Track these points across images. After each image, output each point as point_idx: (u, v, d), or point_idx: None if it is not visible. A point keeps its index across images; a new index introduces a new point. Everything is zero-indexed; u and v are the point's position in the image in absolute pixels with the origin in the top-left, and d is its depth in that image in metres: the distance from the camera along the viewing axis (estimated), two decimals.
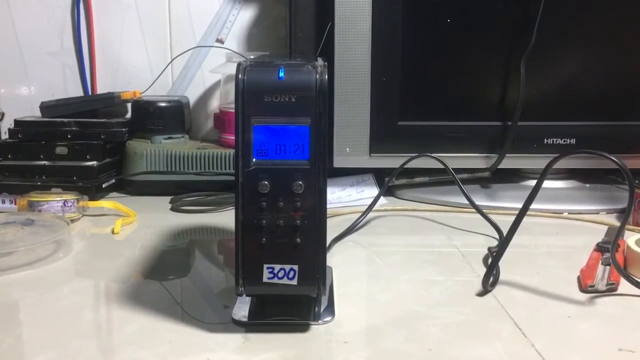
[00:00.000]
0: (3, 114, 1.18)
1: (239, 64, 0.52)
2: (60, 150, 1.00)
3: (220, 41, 1.19)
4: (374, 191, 0.99)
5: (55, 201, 0.86)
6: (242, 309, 0.57)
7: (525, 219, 0.64)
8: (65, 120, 1.04)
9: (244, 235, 0.52)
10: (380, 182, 1.01)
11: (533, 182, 0.62)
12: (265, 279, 0.52)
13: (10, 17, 1.16)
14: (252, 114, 0.51)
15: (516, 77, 0.94)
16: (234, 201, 0.52)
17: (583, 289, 0.63)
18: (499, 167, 0.96)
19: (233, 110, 0.52)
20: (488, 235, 0.82)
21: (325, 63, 0.52)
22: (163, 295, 0.64)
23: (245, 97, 0.51)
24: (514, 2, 0.95)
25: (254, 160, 0.51)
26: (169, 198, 0.98)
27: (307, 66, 0.51)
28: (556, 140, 0.96)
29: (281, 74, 0.51)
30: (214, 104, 1.20)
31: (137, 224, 0.87)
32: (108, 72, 1.19)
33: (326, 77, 0.51)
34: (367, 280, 0.69)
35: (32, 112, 1.12)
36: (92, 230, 0.86)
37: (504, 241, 0.65)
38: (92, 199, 0.93)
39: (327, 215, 0.53)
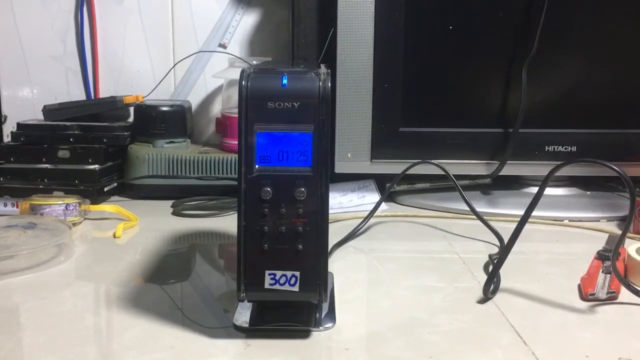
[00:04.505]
0: (5, 117, 1.18)
1: (242, 71, 0.52)
2: (63, 153, 1.00)
3: (223, 46, 1.19)
4: (375, 197, 0.99)
5: (57, 205, 0.86)
6: (243, 315, 0.57)
7: (526, 226, 0.64)
8: (68, 123, 1.04)
9: (246, 241, 0.52)
10: (381, 188, 1.02)
11: (534, 189, 0.62)
12: (266, 285, 0.52)
13: (13, 20, 1.16)
14: (255, 120, 0.51)
15: (517, 84, 0.94)
16: (236, 206, 0.52)
17: (583, 297, 0.63)
18: (500, 174, 0.97)
19: (235, 115, 0.52)
20: (489, 242, 0.82)
21: (329, 70, 0.52)
22: (164, 299, 0.64)
23: (248, 104, 0.51)
24: (516, 10, 0.95)
25: (256, 166, 0.52)
26: (170, 202, 0.98)
27: (310, 73, 0.52)
28: (557, 148, 0.96)
29: (284, 81, 0.51)
30: (216, 109, 1.20)
31: (138, 228, 0.88)
32: (111, 76, 1.19)
33: (329, 84, 0.51)
34: (368, 286, 0.69)
35: (35, 116, 1.12)
36: (94, 234, 0.86)
37: (505, 249, 0.65)
38: (93, 202, 0.94)
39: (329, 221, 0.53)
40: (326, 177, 0.52)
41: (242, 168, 0.52)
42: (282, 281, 0.52)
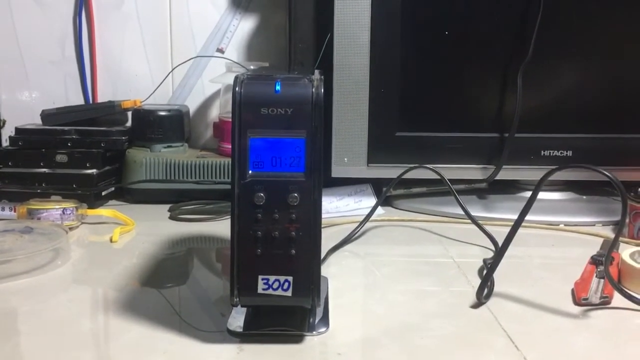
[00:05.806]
0: (4, 122, 1.19)
1: (236, 77, 0.52)
2: (60, 158, 1.01)
3: (221, 51, 1.19)
4: (371, 201, 0.99)
5: (54, 209, 0.86)
6: (237, 319, 0.58)
7: (521, 230, 0.64)
8: (66, 128, 1.04)
9: (239, 246, 0.52)
10: (377, 192, 1.02)
11: (529, 194, 0.62)
12: (260, 290, 0.52)
13: (12, 25, 1.17)
14: (249, 126, 0.52)
15: (513, 89, 0.94)
16: None
17: (577, 302, 0.64)
18: (495, 178, 0.97)
19: None
20: (484, 247, 0.82)
21: (322, 77, 0.53)
22: (160, 303, 0.64)
23: (241, 110, 0.52)
24: (512, 15, 0.96)
25: (250, 172, 0.52)
26: (167, 206, 0.99)
27: (303, 80, 0.52)
28: (553, 152, 0.97)
29: (277, 87, 0.51)
30: (214, 113, 1.20)
31: (135, 232, 0.88)
32: (109, 81, 1.19)
33: (322, 90, 0.52)
34: (362, 291, 0.69)
35: (33, 120, 1.12)
36: (91, 238, 0.86)
37: (499, 253, 0.65)
38: (91, 207, 0.94)
39: (324, 225, 0.53)
40: (319, 182, 0.52)
41: (236, 173, 0.52)
42: (275, 286, 0.52)
